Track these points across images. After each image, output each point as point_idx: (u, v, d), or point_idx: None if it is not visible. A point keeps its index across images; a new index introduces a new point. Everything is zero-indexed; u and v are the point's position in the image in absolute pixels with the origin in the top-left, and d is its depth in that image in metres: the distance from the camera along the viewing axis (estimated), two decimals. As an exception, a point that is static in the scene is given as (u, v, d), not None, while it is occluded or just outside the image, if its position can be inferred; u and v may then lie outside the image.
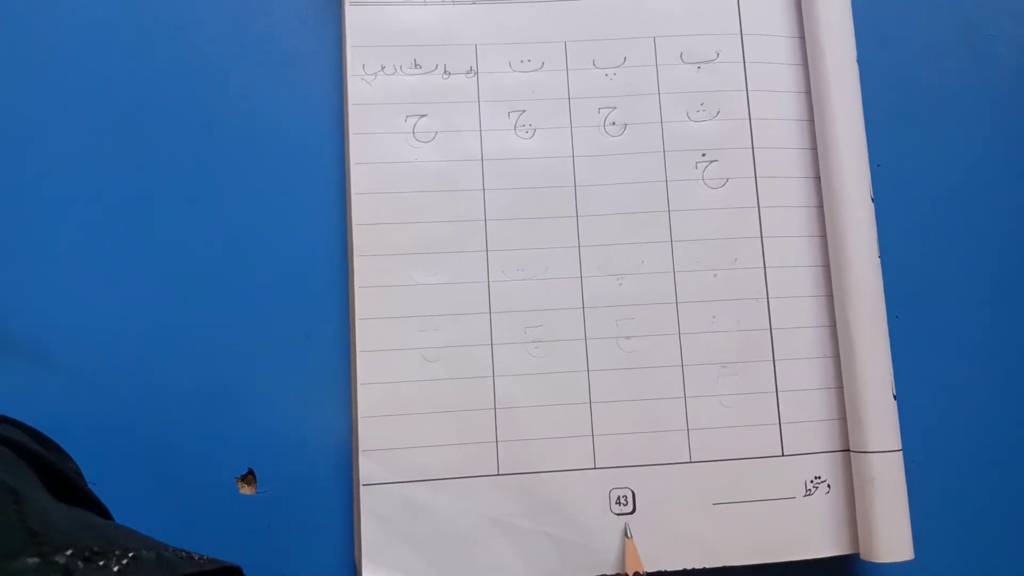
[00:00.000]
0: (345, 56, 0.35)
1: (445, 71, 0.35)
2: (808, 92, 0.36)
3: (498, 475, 0.33)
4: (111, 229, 0.34)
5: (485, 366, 0.33)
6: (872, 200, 0.34)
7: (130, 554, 0.21)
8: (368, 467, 0.32)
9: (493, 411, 0.33)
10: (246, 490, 0.32)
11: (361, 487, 0.32)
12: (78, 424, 0.32)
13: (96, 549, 0.21)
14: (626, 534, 0.32)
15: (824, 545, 0.33)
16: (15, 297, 0.33)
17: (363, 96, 0.35)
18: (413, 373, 0.33)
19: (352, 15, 0.35)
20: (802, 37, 0.36)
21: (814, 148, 0.36)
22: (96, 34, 0.35)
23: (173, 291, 0.34)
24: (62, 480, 0.28)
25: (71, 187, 0.34)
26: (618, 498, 0.33)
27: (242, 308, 0.34)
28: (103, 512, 0.29)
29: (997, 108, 0.38)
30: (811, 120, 0.36)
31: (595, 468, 0.33)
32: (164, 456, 0.32)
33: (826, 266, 0.35)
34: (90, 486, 0.31)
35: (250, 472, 0.33)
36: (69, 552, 0.20)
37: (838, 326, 0.34)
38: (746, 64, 0.36)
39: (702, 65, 0.36)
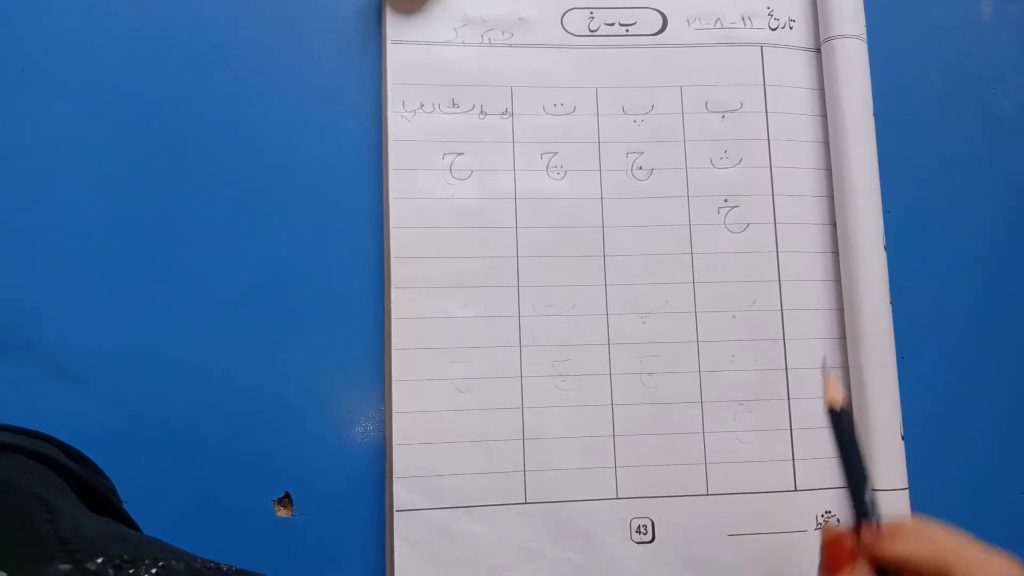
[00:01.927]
0: (386, 93, 0.36)
1: (482, 111, 0.37)
2: (826, 142, 0.38)
3: (525, 503, 0.34)
4: (155, 257, 0.35)
5: (514, 397, 0.35)
6: (885, 248, 0.36)
7: (160, 563, 0.22)
8: (401, 493, 0.33)
9: (522, 441, 0.34)
10: (283, 513, 0.34)
11: (395, 512, 0.33)
12: (118, 445, 0.33)
13: (126, 557, 0.22)
14: (824, 369, 0.30)
15: (833, 577, 0.35)
16: (58, 321, 0.34)
17: (403, 133, 0.36)
18: (446, 403, 0.34)
19: (393, 53, 0.37)
20: (821, 89, 0.38)
21: (831, 196, 0.37)
22: (143, 67, 0.36)
23: (213, 319, 0.35)
24: (96, 495, 0.28)
25: (114, 214, 0.35)
26: (638, 527, 0.34)
27: (281, 337, 0.35)
28: (135, 528, 0.30)
29: (1001, 158, 0.40)
30: (828, 169, 0.38)
31: (617, 498, 0.35)
32: (202, 478, 0.33)
33: (840, 309, 0.37)
34: (126, 505, 0.32)
35: (287, 496, 0.34)
36: (100, 560, 0.21)
37: (850, 368, 0.36)
38: (768, 114, 0.38)
39: (726, 114, 0.38)
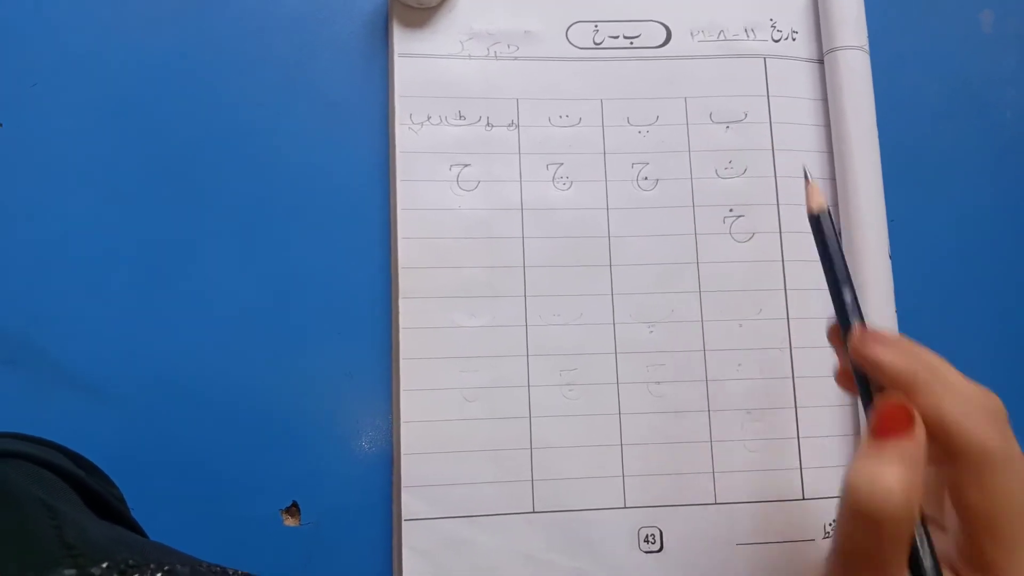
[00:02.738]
0: (393, 105, 0.37)
1: (488, 123, 0.37)
2: (830, 152, 0.38)
3: (533, 512, 0.34)
4: (163, 267, 0.35)
5: (522, 407, 0.35)
6: (890, 256, 0.36)
7: (165, 567, 0.22)
8: (410, 502, 0.33)
9: (529, 451, 0.35)
10: (290, 522, 0.34)
11: (403, 522, 0.33)
12: (127, 454, 0.33)
13: (131, 562, 0.22)
14: (805, 176, 0.29)
15: (842, 586, 0.35)
16: (69, 332, 0.34)
17: (410, 144, 0.36)
18: (454, 412, 0.35)
19: (400, 66, 0.37)
20: (824, 99, 0.39)
21: (835, 205, 0.38)
22: (154, 82, 0.37)
23: (222, 329, 0.35)
24: (103, 502, 0.29)
25: (124, 226, 0.35)
26: (647, 536, 0.34)
27: (290, 347, 0.35)
28: (143, 535, 0.30)
29: (1003, 167, 0.41)
30: (833, 178, 0.38)
31: (625, 507, 0.35)
32: (211, 487, 0.34)
33: (845, 318, 0.37)
34: (134, 514, 0.32)
35: (294, 504, 0.34)
36: (105, 564, 0.21)
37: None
38: (772, 124, 0.38)
39: (730, 125, 0.38)
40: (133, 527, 0.31)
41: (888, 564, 0.21)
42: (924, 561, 0.22)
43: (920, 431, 0.22)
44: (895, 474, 0.21)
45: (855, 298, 0.26)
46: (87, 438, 0.33)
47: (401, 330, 0.35)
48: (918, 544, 0.22)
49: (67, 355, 0.34)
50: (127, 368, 0.34)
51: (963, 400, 0.23)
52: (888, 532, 0.21)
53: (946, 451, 0.22)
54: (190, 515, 0.33)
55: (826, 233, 0.27)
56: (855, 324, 0.25)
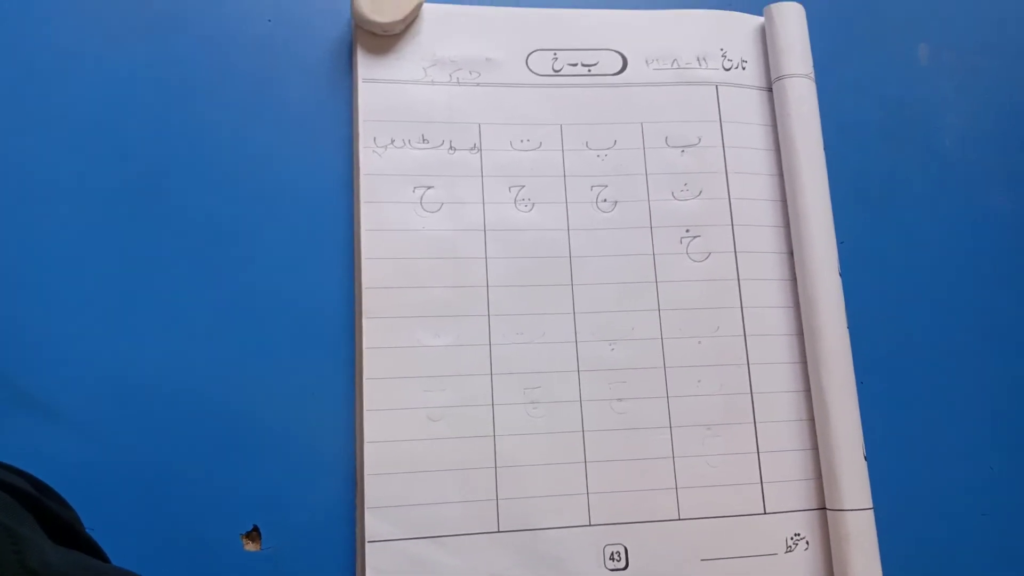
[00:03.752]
0: (357, 129, 0.37)
1: (451, 146, 0.38)
2: (780, 175, 0.40)
3: (498, 532, 0.34)
4: (123, 284, 0.35)
5: (487, 425, 0.35)
6: (840, 274, 0.38)
7: None
8: (374, 524, 0.33)
9: (494, 469, 0.35)
10: (251, 547, 0.33)
11: (367, 543, 0.33)
12: (84, 477, 0.32)
13: None
14: None
15: (804, 599, 0.35)
16: (24, 349, 0.33)
17: (374, 167, 0.37)
18: (418, 432, 0.34)
19: (364, 91, 0.38)
20: (774, 125, 0.40)
21: (787, 226, 0.39)
22: (118, 100, 0.37)
23: (182, 348, 0.34)
24: (61, 525, 0.28)
25: (86, 243, 0.35)
26: (612, 554, 0.34)
27: (252, 368, 0.35)
28: (102, 557, 0.29)
29: (944, 190, 0.43)
30: (783, 200, 0.39)
31: (590, 525, 0.35)
32: (169, 512, 0.33)
33: (800, 335, 0.38)
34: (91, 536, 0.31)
35: (255, 529, 0.33)
36: None
37: (812, 391, 0.37)
38: (725, 148, 0.39)
39: (685, 149, 0.39)
40: (93, 548, 0.30)
41: None
42: None
43: None
44: None
45: None
46: (42, 460, 0.32)
47: (365, 350, 0.35)
48: None
49: (22, 375, 0.33)
50: (84, 389, 0.33)
51: None
52: None
53: None
54: (149, 539, 0.32)
55: None
56: None
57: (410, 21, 0.38)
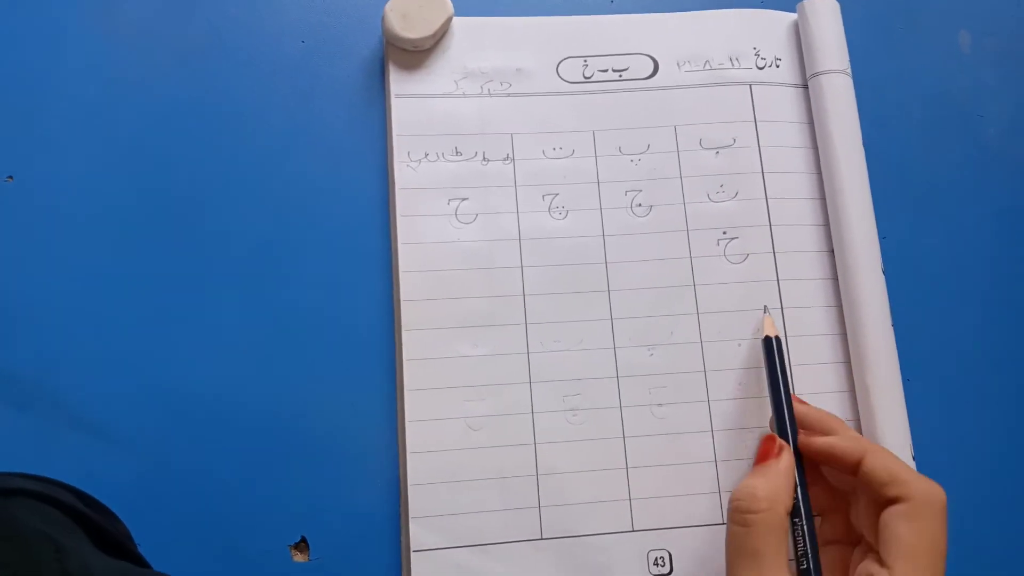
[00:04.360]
0: (391, 144, 0.38)
1: (484, 158, 0.38)
2: (819, 173, 0.39)
3: (541, 539, 0.34)
4: (169, 304, 0.36)
5: (527, 434, 0.35)
6: (883, 272, 0.37)
7: None
8: (418, 533, 0.34)
9: (535, 477, 0.35)
10: (299, 558, 0.34)
11: (412, 553, 0.33)
12: (136, 493, 0.34)
13: None
14: (764, 311, 0.37)
15: (854, 603, 0.34)
16: (78, 375, 0.35)
17: (409, 181, 0.37)
18: (459, 441, 0.35)
19: (398, 107, 0.38)
20: (811, 122, 0.40)
21: (827, 224, 0.38)
22: (159, 124, 0.38)
23: (227, 366, 0.35)
24: (110, 539, 0.29)
25: (132, 266, 0.36)
26: (656, 559, 0.34)
27: (296, 383, 0.35)
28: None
29: (988, 181, 0.42)
30: (823, 198, 0.39)
31: (633, 531, 0.35)
32: (219, 526, 0.34)
33: (843, 334, 0.37)
34: (142, 550, 0.32)
35: (303, 540, 0.34)
36: None
37: (857, 391, 0.36)
38: (761, 148, 0.39)
39: (720, 150, 0.39)
40: (140, 563, 0.31)
41: (761, 554, 0.28)
42: (798, 549, 0.30)
43: (787, 455, 0.31)
44: (760, 484, 0.29)
45: (792, 414, 0.33)
46: (95, 478, 0.33)
47: (405, 362, 0.35)
48: (796, 538, 0.30)
49: (75, 398, 0.34)
50: (134, 408, 0.35)
51: (905, 464, 0.30)
52: (758, 527, 0.28)
53: (895, 496, 0.28)
54: (199, 553, 0.33)
55: (777, 356, 0.34)
56: (789, 429, 0.32)
57: (440, 36, 0.39)
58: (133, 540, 0.32)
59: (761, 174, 0.39)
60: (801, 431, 0.32)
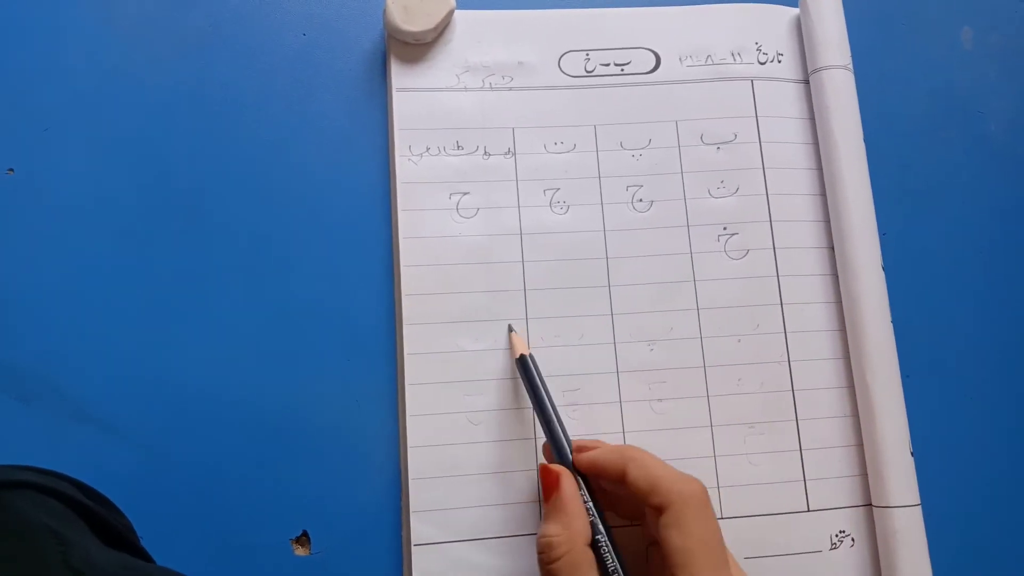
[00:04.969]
0: (392, 138, 0.38)
1: (485, 152, 0.38)
2: (820, 169, 0.39)
3: (541, 533, 0.34)
4: (170, 298, 0.36)
5: (527, 428, 0.35)
6: (883, 268, 0.37)
7: None
8: (418, 527, 0.34)
9: (535, 472, 0.35)
10: (300, 552, 0.34)
11: (412, 547, 0.34)
12: (138, 487, 0.34)
13: None
14: (509, 329, 0.36)
15: (851, 597, 0.35)
16: (81, 368, 0.35)
17: (410, 175, 0.37)
18: (459, 436, 0.35)
19: (399, 101, 0.38)
20: (812, 118, 0.40)
21: (827, 220, 0.38)
22: (160, 117, 0.38)
23: (229, 360, 0.36)
24: (112, 531, 0.29)
25: (134, 260, 0.36)
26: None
27: (297, 377, 0.36)
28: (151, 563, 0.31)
29: (990, 178, 0.42)
30: (823, 194, 0.39)
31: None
32: (221, 519, 0.34)
33: (842, 330, 0.37)
34: (144, 543, 0.32)
35: (304, 534, 0.34)
36: None
37: (856, 387, 0.36)
38: (762, 144, 0.39)
39: (721, 146, 0.39)
40: (142, 556, 0.31)
41: None
42: (608, 567, 0.29)
43: (567, 482, 0.31)
44: (552, 529, 0.29)
45: (560, 426, 0.32)
46: (98, 471, 0.33)
47: (406, 356, 0.36)
48: (604, 556, 0.30)
49: (78, 391, 0.34)
50: (137, 401, 0.35)
51: (663, 467, 0.30)
52: (563, 571, 0.28)
53: (658, 505, 0.29)
54: (201, 546, 0.34)
55: (532, 377, 0.33)
56: (565, 446, 0.32)
57: (442, 29, 0.39)
58: (136, 533, 0.32)
59: (762, 170, 0.39)
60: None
